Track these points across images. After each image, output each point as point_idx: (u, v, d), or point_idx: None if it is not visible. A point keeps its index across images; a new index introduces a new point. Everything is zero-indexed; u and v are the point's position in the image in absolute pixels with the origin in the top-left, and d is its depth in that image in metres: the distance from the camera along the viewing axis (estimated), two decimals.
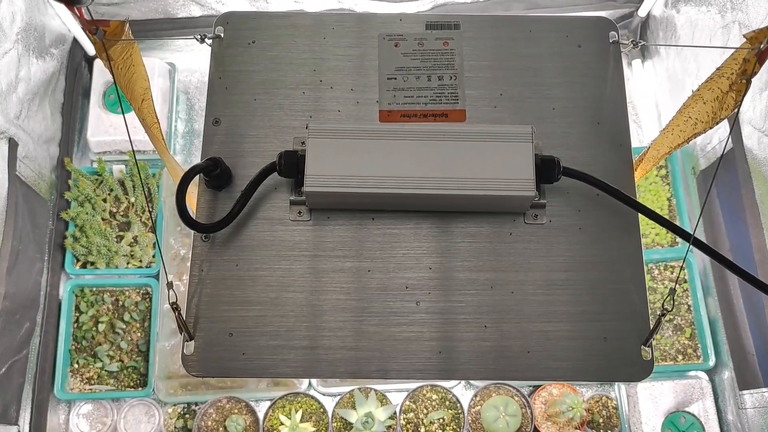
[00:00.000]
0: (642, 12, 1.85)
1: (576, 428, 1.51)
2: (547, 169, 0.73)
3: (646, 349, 0.73)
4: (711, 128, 0.65)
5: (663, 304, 0.69)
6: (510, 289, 0.75)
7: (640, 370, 0.72)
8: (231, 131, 0.80)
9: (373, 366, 0.72)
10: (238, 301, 0.74)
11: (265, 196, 0.78)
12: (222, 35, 0.83)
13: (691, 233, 0.65)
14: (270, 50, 0.83)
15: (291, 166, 0.73)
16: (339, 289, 0.75)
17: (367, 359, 0.72)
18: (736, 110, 0.57)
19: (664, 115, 1.79)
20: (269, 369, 0.72)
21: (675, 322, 1.64)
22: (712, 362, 1.58)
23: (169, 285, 0.68)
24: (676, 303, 1.65)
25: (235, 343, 0.73)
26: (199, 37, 0.79)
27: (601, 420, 1.58)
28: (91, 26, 0.57)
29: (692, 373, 1.59)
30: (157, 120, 0.77)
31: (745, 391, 1.43)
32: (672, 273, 1.68)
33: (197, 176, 0.77)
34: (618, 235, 0.76)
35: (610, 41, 0.83)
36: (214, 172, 0.75)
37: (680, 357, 1.62)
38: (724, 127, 1.47)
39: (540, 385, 1.59)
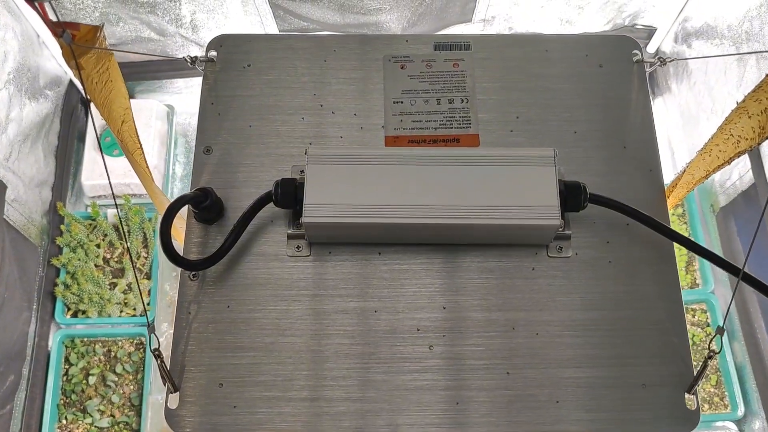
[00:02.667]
0: (651, 48, 1.81)
1: None
2: (572, 196, 0.66)
3: (691, 397, 0.64)
4: (758, 145, 0.58)
5: (709, 345, 0.61)
6: (534, 330, 0.66)
7: (685, 422, 0.64)
8: (223, 160, 0.73)
9: (381, 420, 0.63)
10: (229, 347, 0.66)
11: (260, 229, 0.70)
12: (215, 58, 0.78)
13: (741, 268, 0.57)
14: (267, 74, 0.77)
15: (288, 195, 0.66)
16: (342, 332, 0.67)
17: (375, 412, 0.64)
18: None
19: (678, 153, 1.73)
20: (264, 424, 0.64)
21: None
22: (741, 412, 1.48)
23: (150, 328, 0.61)
24: (699, 348, 1.55)
25: (225, 395, 0.64)
26: (188, 58, 0.73)
27: None
28: (57, 28, 0.50)
29: (719, 423, 1.48)
30: (140, 145, 0.70)
31: None
32: (694, 316, 1.59)
33: (186, 209, 0.70)
34: (652, 268, 0.69)
35: (634, 60, 0.77)
36: (203, 204, 0.68)
37: (706, 406, 1.51)
38: (744, 161, 1.41)
39: None
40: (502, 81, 0.77)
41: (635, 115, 0.75)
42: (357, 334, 0.66)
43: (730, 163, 0.63)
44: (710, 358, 0.60)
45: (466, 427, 0.63)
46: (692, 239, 0.65)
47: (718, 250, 1.57)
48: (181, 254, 0.67)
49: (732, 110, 0.59)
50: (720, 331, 0.58)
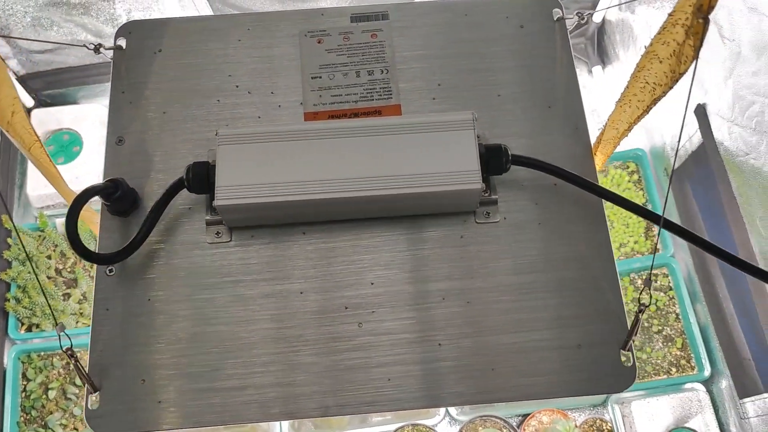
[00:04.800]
0: (597, 18, 1.80)
1: None
2: (493, 159, 0.64)
3: (626, 353, 0.63)
4: (671, 89, 0.57)
5: (639, 299, 0.59)
6: (466, 298, 0.65)
7: (622, 379, 0.62)
8: (138, 150, 0.70)
9: (313, 402, 0.61)
10: (152, 341, 0.64)
11: (179, 218, 0.68)
12: (124, 46, 0.75)
13: (661, 215, 0.56)
14: (179, 58, 0.74)
15: (200, 178, 0.63)
16: (269, 317, 0.64)
17: (306, 395, 0.62)
18: (694, 64, 0.49)
19: None
20: (192, 417, 0.61)
21: (664, 333, 1.54)
22: (707, 372, 1.48)
23: (60, 326, 0.58)
24: (663, 313, 1.55)
25: (149, 391, 0.62)
26: (92, 46, 0.70)
27: None
28: None
29: (688, 385, 1.48)
30: (37, 137, 0.67)
31: (746, 399, 1.32)
32: (656, 281, 1.59)
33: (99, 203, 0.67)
34: (583, 228, 0.67)
35: (555, 19, 0.76)
36: (114, 195, 0.65)
37: (674, 370, 1.52)
38: (692, 122, 1.41)
39: (528, 413, 1.48)
40: (422, 49, 0.75)
41: (559, 74, 0.73)
42: (284, 317, 0.64)
43: (648, 112, 0.62)
44: (641, 312, 0.59)
45: (400, 403, 0.61)
46: (616, 193, 0.63)
47: (674, 213, 1.57)
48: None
49: (642, 56, 0.58)
50: (647, 283, 0.57)
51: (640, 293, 0.59)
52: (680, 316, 1.55)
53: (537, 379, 0.62)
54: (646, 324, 1.54)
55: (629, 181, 1.65)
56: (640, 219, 1.62)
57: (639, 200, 1.64)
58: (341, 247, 0.67)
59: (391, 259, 0.66)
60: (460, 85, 0.73)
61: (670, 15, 0.52)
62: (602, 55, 1.84)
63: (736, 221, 1.28)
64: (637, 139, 1.70)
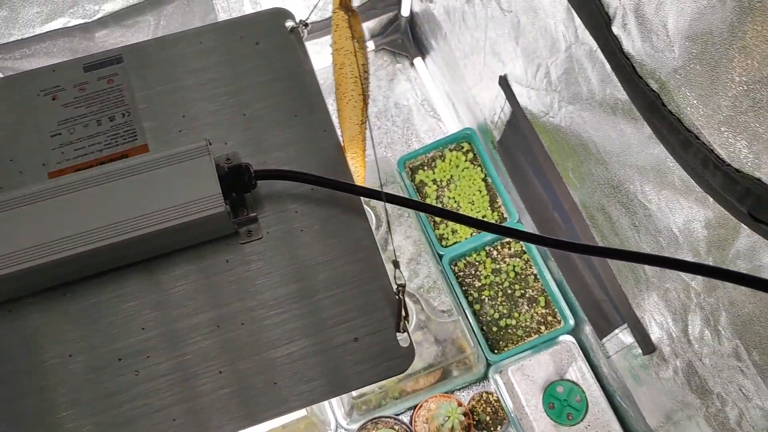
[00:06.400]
0: (404, 12, 1.86)
1: None
2: (237, 179, 0.65)
3: (402, 335, 0.65)
4: (369, 74, 0.59)
5: (395, 279, 0.61)
6: (239, 321, 0.65)
7: (402, 360, 0.64)
8: None
9: None
10: None
11: None
12: None
13: (382, 192, 0.58)
14: None
15: None
16: (38, 388, 0.62)
17: None
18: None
19: (458, 103, 1.79)
20: None
21: (528, 295, 1.61)
22: (572, 322, 1.56)
23: None
24: (522, 276, 1.62)
25: None
26: None
27: (488, 417, 1.50)
28: None
29: (560, 338, 1.55)
30: None
31: (604, 339, 1.40)
32: (510, 249, 1.66)
33: None
34: (341, 223, 0.69)
35: (289, 30, 0.77)
36: None
37: (543, 328, 1.58)
38: (499, 94, 1.47)
39: (416, 405, 1.50)
40: (161, 85, 0.74)
41: (300, 82, 0.75)
42: (55, 386, 0.62)
43: (367, 102, 0.64)
44: (399, 292, 0.61)
45: None
46: (351, 183, 0.65)
47: (507, 182, 1.64)
48: None
49: (333, 53, 0.60)
50: (396, 265, 0.59)
51: (395, 272, 0.61)
52: (538, 277, 1.61)
53: (321, 381, 0.63)
54: (509, 291, 1.60)
55: (466, 161, 1.71)
56: (484, 194, 1.68)
57: (479, 176, 1.70)
58: (106, 299, 0.65)
59: (159, 300, 0.65)
60: (204, 112, 0.73)
61: (333, 12, 0.54)
62: (419, 46, 1.90)
63: (555, 178, 1.35)
64: (465, 119, 1.76)
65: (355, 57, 0.57)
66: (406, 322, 0.64)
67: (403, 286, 0.61)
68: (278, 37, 0.77)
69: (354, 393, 1.40)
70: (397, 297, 0.61)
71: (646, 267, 1.14)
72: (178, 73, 0.75)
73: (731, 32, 0.79)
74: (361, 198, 0.68)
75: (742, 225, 0.86)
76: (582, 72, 1.14)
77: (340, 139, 0.72)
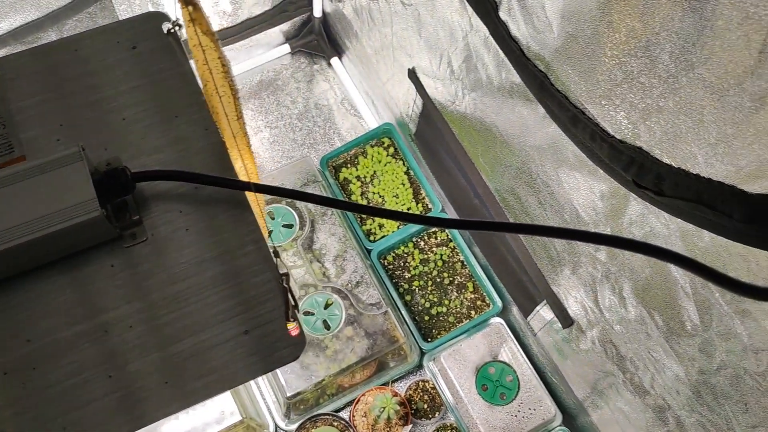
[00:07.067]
0: (317, 13, 1.87)
1: (399, 424, 1.44)
2: (114, 183, 0.65)
3: (292, 323, 0.66)
4: (230, 67, 0.60)
5: (278, 269, 0.62)
6: (127, 324, 0.65)
7: (294, 348, 0.65)
8: None
9: None
10: None
11: None
12: None
13: (251, 183, 0.59)
14: None
15: None
16: None
17: None
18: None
19: (376, 99, 1.81)
20: None
21: (456, 282, 1.63)
22: (500, 304, 1.59)
23: None
24: (450, 264, 1.64)
25: None
26: None
27: (425, 405, 1.52)
28: None
29: (490, 321, 1.58)
30: None
31: (529, 317, 1.43)
32: (437, 238, 1.68)
33: None
34: (227, 219, 0.69)
35: (165, 32, 0.77)
36: None
37: (473, 312, 1.61)
38: (410, 87, 1.50)
39: (352, 400, 1.51)
40: (37, 95, 0.74)
41: (179, 83, 0.75)
42: None
43: (237, 95, 0.65)
44: (282, 281, 0.62)
45: None
46: (248, 181, 0.66)
47: (426, 173, 1.67)
48: None
49: (194, 49, 0.61)
50: (276, 254, 0.60)
51: (277, 262, 0.61)
52: (465, 263, 1.64)
53: (213, 376, 0.64)
54: (438, 279, 1.62)
55: (388, 155, 1.73)
56: (407, 187, 1.70)
57: (401, 170, 1.72)
58: None
59: (40, 314, 0.64)
60: (83, 119, 0.73)
61: (182, 9, 0.55)
62: (335, 46, 1.92)
63: (468, 165, 1.38)
64: (384, 115, 1.78)
65: (214, 52, 0.58)
66: (296, 311, 0.65)
67: (286, 274, 0.62)
68: (155, 40, 0.77)
69: (288, 392, 1.40)
70: (281, 284, 0.62)
71: (556, 243, 1.18)
72: (54, 82, 0.74)
73: (600, 8, 0.83)
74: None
75: (631, 194, 0.90)
76: (480, 59, 1.17)
77: (222, 136, 0.73)
